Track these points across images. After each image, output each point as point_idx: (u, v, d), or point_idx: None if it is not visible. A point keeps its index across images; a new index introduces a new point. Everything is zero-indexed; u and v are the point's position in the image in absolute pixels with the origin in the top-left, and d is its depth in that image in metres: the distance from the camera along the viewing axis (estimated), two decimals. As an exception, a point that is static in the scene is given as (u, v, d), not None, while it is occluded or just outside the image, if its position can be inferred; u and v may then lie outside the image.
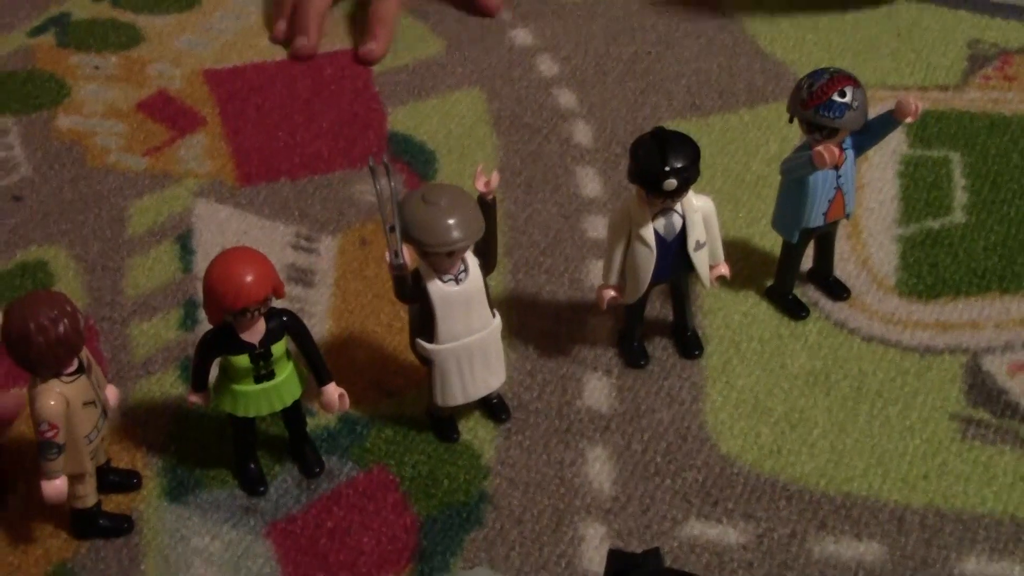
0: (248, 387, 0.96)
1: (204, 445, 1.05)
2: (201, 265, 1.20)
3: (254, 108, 1.40)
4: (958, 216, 1.21)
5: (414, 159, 1.32)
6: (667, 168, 0.96)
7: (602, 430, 1.04)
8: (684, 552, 0.95)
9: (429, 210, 0.93)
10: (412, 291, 0.96)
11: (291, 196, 1.28)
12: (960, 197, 1.23)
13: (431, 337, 0.98)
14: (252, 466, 1.02)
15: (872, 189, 1.24)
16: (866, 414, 1.04)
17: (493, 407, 1.06)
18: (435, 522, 0.98)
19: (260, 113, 1.39)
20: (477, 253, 0.98)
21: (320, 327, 1.14)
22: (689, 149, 0.97)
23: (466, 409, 1.05)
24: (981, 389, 1.05)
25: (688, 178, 0.97)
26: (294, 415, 1.01)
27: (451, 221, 0.93)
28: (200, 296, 1.15)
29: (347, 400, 0.99)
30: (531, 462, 1.02)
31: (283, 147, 1.34)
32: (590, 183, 1.28)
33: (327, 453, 1.03)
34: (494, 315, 1.00)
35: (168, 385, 1.10)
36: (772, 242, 1.18)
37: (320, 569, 0.96)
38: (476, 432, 1.05)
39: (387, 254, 0.94)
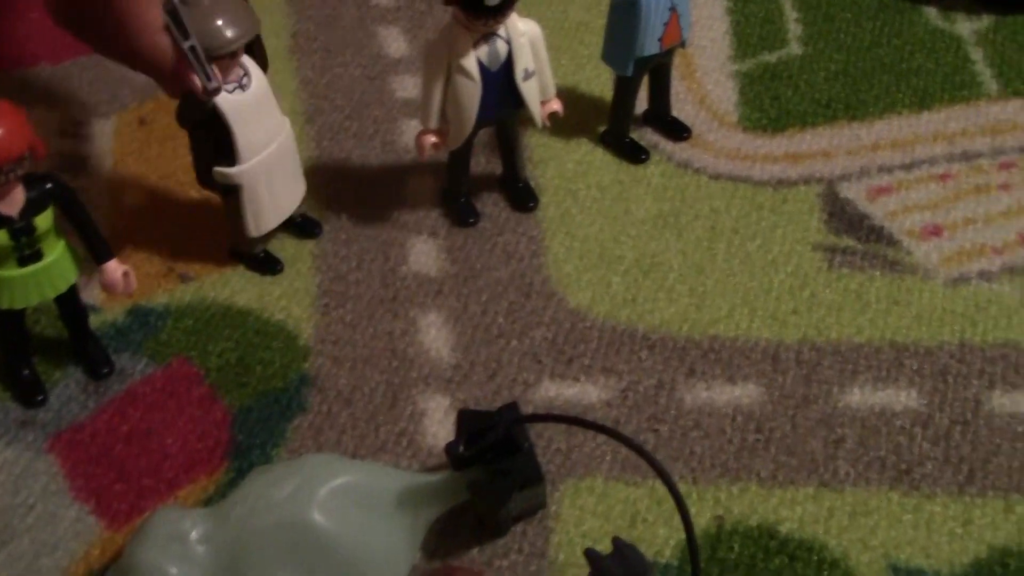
0: (11, 272, 0.80)
1: (-37, 356, 0.89)
2: (-51, 161, 1.02)
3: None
4: (794, 48, 1.12)
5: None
6: (488, -21, 0.83)
7: (434, 295, 0.92)
8: (540, 416, 0.83)
9: (194, 13, 0.82)
10: (199, 112, 0.85)
11: (53, 80, 1.11)
12: (794, 29, 1.14)
13: (232, 159, 0.88)
14: (26, 372, 0.86)
15: (702, 27, 1.14)
16: (724, 253, 0.94)
17: (302, 226, 0.97)
18: (250, 412, 0.84)
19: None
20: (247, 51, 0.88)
21: (100, 217, 0.97)
22: (511, -40, 0.85)
23: (273, 285, 0.92)
24: (842, 216, 0.96)
25: (512, -10, 0.85)
26: (72, 306, 0.86)
27: (219, 21, 0.83)
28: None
29: (133, 279, 0.84)
30: (356, 337, 0.89)
31: (38, 29, 1.16)
32: (394, 43, 1.14)
33: (117, 351, 0.88)
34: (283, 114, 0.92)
35: (-82, 294, 0.93)
36: (601, 87, 1.08)
37: (118, 479, 0.81)
38: (289, 310, 0.91)
39: (195, 82, 0.82)
